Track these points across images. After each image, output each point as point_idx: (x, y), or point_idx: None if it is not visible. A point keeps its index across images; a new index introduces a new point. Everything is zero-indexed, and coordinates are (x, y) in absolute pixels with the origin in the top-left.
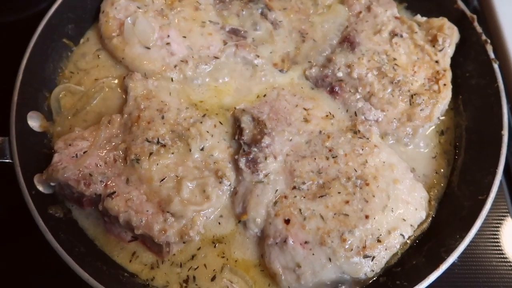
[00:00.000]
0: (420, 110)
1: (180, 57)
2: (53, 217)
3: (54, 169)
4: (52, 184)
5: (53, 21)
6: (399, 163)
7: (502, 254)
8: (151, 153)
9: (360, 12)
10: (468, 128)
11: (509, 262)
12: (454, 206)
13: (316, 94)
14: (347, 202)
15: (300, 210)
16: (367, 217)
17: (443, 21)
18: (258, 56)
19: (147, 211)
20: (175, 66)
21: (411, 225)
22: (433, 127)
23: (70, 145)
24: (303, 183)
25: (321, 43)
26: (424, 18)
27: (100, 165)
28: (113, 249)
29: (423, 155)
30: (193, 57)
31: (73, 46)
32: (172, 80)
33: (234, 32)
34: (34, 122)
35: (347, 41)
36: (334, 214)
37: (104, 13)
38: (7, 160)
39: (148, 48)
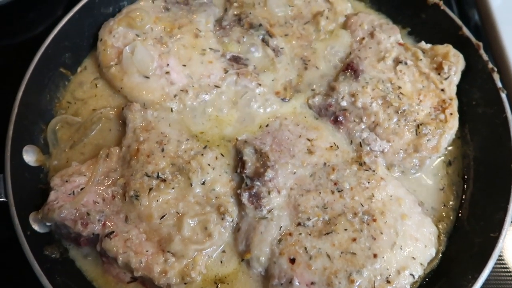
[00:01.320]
0: (427, 141)
1: (180, 86)
2: (49, 258)
3: (50, 208)
4: (48, 224)
5: (50, 50)
6: (406, 196)
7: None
8: (150, 189)
9: (363, 38)
10: (476, 158)
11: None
12: (464, 242)
13: (320, 124)
14: (354, 239)
15: (305, 248)
16: (375, 255)
17: (448, 48)
18: (260, 85)
19: (147, 251)
20: (174, 96)
21: (421, 264)
22: (441, 157)
23: (66, 181)
24: (308, 219)
25: (324, 71)
26: (429, 45)
27: (98, 203)
28: None
29: (430, 187)
30: (193, 86)
31: (70, 75)
32: (171, 110)
33: (235, 59)
34: (30, 156)
35: (351, 69)
36: (341, 252)
37: (102, 41)
38: (2, 199)
39: (147, 77)
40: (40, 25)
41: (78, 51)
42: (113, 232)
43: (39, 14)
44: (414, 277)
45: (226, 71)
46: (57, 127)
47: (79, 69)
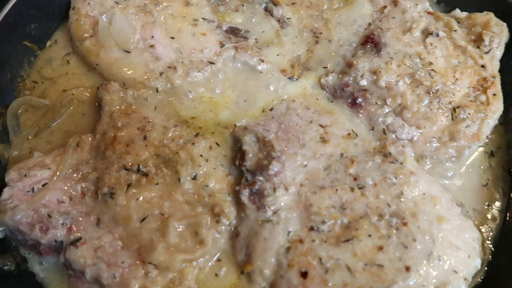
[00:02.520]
0: (466, 127)
1: (167, 63)
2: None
3: (1, 209)
4: (0, 228)
5: (11, 19)
6: (442, 194)
7: None
8: (129, 185)
9: (385, 7)
10: None
11: None
12: None
13: (335, 107)
14: (380, 248)
15: (320, 259)
16: (407, 269)
17: (489, 17)
18: (262, 61)
19: (123, 262)
20: (160, 74)
21: (464, 279)
22: (482, 147)
23: (25, 175)
24: (323, 222)
25: (338, 45)
26: (465, 13)
27: (63, 202)
28: None
29: (470, 183)
30: (182, 62)
31: (37, 50)
32: (157, 90)
33: (233, 31)
34: None
35: (371, 42)
36: (365, 264)
37: (75, 10)
38: None
39: (128, 51)
40: None
41: (47, 22)
42: (80, 238)
43: None
44: None
45: (222, 45)
46: (19, 111)
47: (48, 43)
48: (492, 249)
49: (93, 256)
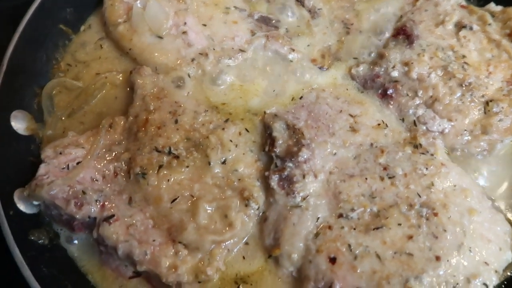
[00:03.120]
0: (498, 121)
1: (198, 49)
2: (34, 244)
3: (38, 184)
4: (35, 203)
5: (48, 3)
6: (473, 187)
7: None
8: (160, 166)
9: (417, 0)
10: None
11: None
12: None
13: (365, 98)
14: (410, 237)
15: (349, 245)
16: (438, 258)
17: None
18: (293, 50)
19: (154, 240)
20: (192, 60)
21: (495, 271)
22: None
23: (60, 153)
24: (352, 209)
25: (369, 36)
26: (499, 7)
27: (96, 180)
28: (110, 287)
29: (501, 177)
30: (214, 49)
31: (72, 34)
32: (189, 76)
33: (264, 20)
34: (19, 123)
35: (403, 34)
36: (394, 253)
37: None
38: None
39: (161, 37)
40: None
41: (82, 7)
42: (113, 216)
43: None
44: (487, 287)
45: (253, 34)
46: (54, 92)
47: (82, 28)
48: None
49: (125, 233)
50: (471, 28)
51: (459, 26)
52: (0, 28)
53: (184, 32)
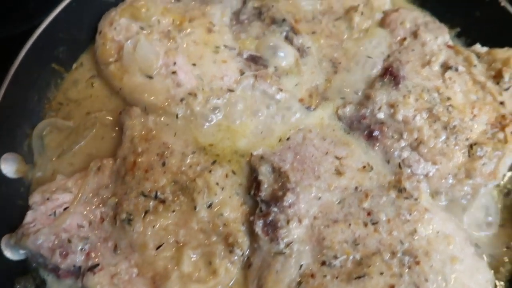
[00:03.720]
0: (482, 165)
1: (187, 89)
2: None
3: (24, 232)
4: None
5: (41, 43)
6: (456, 233)
7: None
8: (146, 211)
9: (405, 39)
10: None
11: None
12: None
13: (351, 139)
14: (392, 287)
15: None
16: None
17: (510, 53)
18: (281, 90)
19: None
20: (181, 100)
21: None
22: (498, 185)
23: (48, 199)
24: (335, 257)
25: (357, 76)
26: (485, 48)
27: (82, 227)
28: None
29: (486, 223)
30: (203, 89)
31: (64, 72)
32: (177, 116)
33: (253, 59)
34: (9, 166)
35: (390, 74)
36: None
37: (102, 34)
38: None
39: (151, 77)
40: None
41: (75, 45)
42: (97, 265)
43: (41, 4)
44: None
45: (242, 73)
46: (44, 132)
47: (74, 66)
48: None
49: (109, 283)
50: (456, 69)
51: (445, 67)
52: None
53: (174, 72)
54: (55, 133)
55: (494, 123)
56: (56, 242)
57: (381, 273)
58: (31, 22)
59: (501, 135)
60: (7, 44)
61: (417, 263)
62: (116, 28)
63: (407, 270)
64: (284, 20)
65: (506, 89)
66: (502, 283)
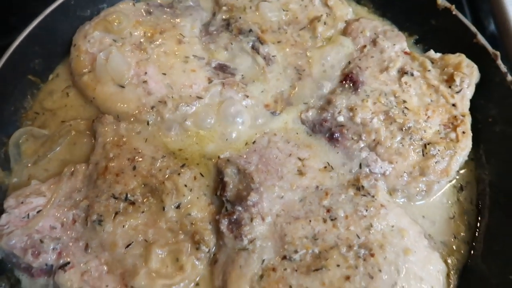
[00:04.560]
0: (435, 163)
1: (158, 97)
2: None
3: None
4: None
5: (17, 56)
6: (410, 227)
7: None
8: (117, 213)
9: (365, 46)
10: (492, 183)
11: None
12: (478, 283)
13: (313, 141)
14: (347, 278)
15: (290, 287)
16: None
17: (461, 58)
18: (247, 97)
19: (107, 286)
20: (152, 108)
21: None
22: (451, 182)
23: (22, 202)
24: (295, 251)
25: (319, 82)
26: (438, 54)
27: (55, 228)
28: None
29: (438, 216)
30: (172, 97)
31: (40, 83)
32: (148, 123)
33: (221, 68)
34: None
35: (349, 80)
36: None
37: (76, 47)
38: None
39: (122, 86)
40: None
41: (51, 57)
42: (68, 263)
43: (20, 19)
44: None
45: (210, 81)
46: (21, 141)
47: (50, 77)
48: (457, 280)
49: (79, 280)
50: (412, 74)
51: (402, 72)
52: None
53: (145, 81)
54: (31, 141)
55: (447, 123)
56: (28, 243)
57: (338, 265)
58: (9, 37)
59: (453, 135)
60: None
61: (372, 255)
62: (90, 41)
63: (362, 262)
64: (250, 30)
65: (458, 92)
66: (453, 272)
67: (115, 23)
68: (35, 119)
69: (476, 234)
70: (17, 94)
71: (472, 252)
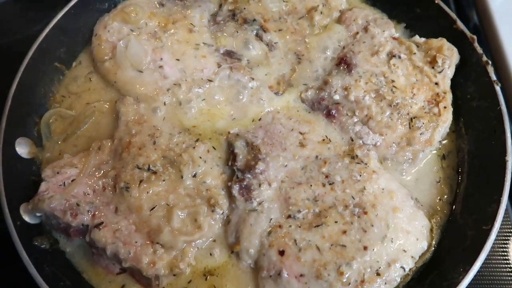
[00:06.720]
0: (420, 134)
1: (173, 80)
2: (38, 249)
3: (40, 198)
4: (38, 214)
5: (45, 45)
6: (398, 189)
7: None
8: (141, 181)
9: (357, 33)
10: (470, 152)
11: None
12: (457, 235)
13: (312, 118)
14: (344, 232)
15: (295, 240)
16: (365, 248)
17: (442, 42)
18: (253, 79)
19: (136, 242)
20: (167, 90)
21: (412, 257)
22: (435, 151)
23: (58, 173)
24: (299, 211)
25: (317, 65)
26: (423, 39)
27: (88, 194)
28: (101, 282)
29: (425, 181)
30: (186, 80)
31: (65, 70)
32: (164, 104)
33: (229, 54)
34: (23, 148)
35: (344, 63)
36: (331, 245)
37: (97, 36)
38: None
39: (141, 71)
40: (39, 24)
41: (73, 46)
42: (102, 223)
43: (38, 13)
44: (404, 270)
45: (219, 66)
46: (50, 120)
47: (74, 64)
48: (439, 235)
49: (112, 237)
50: (399, 57)
51: (390, 55)
52: (4, 65)
53: (161, 66)
54: (60, 121)
55: (430, 100)
56: (67, 205)
57: (336, 222)
58: (33, 28)
59: (435, 110)
60: (16, 47)
61: (365, 213)
62: (110, 31)
63: (356, 219)
64: (254, 20)
65: (440, 72)
66: (436, 227)
67: (132, 15)
68: (62, 102)
69: (456, 196)
70: (45, 80)
71: (452, 210)
